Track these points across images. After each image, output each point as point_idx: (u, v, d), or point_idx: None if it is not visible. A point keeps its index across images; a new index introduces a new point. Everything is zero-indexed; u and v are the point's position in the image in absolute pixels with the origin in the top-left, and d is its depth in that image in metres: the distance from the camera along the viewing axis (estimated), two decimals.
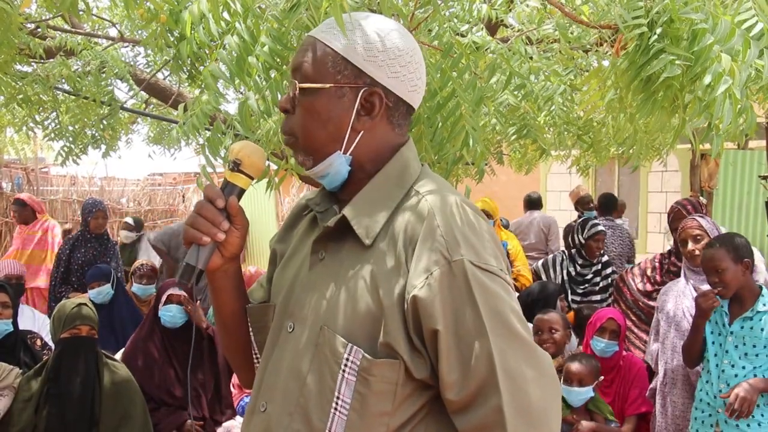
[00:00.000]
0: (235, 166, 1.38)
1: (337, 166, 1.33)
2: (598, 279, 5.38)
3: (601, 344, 4.05)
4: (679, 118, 1.88)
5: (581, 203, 8.31)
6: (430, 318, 1.19)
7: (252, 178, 1.41)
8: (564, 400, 3.73)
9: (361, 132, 1.33)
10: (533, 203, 8.43)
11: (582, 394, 3.75)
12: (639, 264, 4.92)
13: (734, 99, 1.68)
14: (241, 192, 1.41)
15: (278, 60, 1.99)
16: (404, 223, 1.27)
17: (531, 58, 3.07)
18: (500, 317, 1.20)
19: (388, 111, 1.34)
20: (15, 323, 4.07)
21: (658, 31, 1.76)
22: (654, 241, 10.79)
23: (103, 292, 5.08)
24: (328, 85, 1.31)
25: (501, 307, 1.21)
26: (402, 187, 1.33)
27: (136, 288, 5.44)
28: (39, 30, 4.58)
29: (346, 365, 1.23)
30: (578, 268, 5.43)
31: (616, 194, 11.68)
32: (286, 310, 1.37)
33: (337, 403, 1.23)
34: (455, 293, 1.19)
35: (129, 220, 7.68)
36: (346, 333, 1.24)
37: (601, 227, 5.48)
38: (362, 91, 1.31)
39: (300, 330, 1.32)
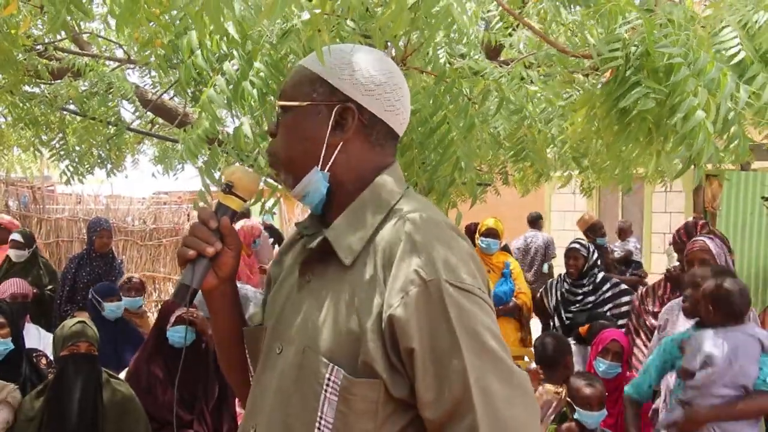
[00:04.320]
0: (228, 189, 1.43)
1: (315, 182, 1.36)
2: (592, 298, 5.38)
3: (603, 366, 4.05)
4: (654, 150, 1.90)
5: (592, 230, 8.13)
6: (406, 337, 1.21)
7: (244, 200, 1.46)
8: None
9: (338, 147, 1.36)
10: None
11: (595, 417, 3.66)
12: (653, 284, 4.92)
13: (707, 133, 1.70)
14: (234, 213, 1.45)
15: (273, 86, 2.03)
16: (383, 243, 1.29)
17: (531, 81, 3.10)
18: (475, 335, 1.22)
19: (363, 128, 1.38)
20: (18, 341, 4.09)
21: (636, 63, 1.79)
22: (658, 262, 10.77)
23: (121, 306, 5.18)
24: (305, 103, 1.37)
25: (476, 325, 1.23)
26: (383, 208, 1.35)
27: (125, 301, 5.47)
28: (47, 52, 4.64)
29: (327, 385, 1.25)
30: (567, 286, 5.47)
31: (620, 215, 11.72)
32: (276, 333, 1.40)
33: (320, 423, 1.26)
34: (431, 312, 1.21)
35: (16, 236, 6.44)
36: (328, 353, 1.27)
37: (573, 245, 5.51)
38: (336, 106, 1.35)
39: (287, 352, 1.35)
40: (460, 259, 1.26)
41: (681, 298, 4.06)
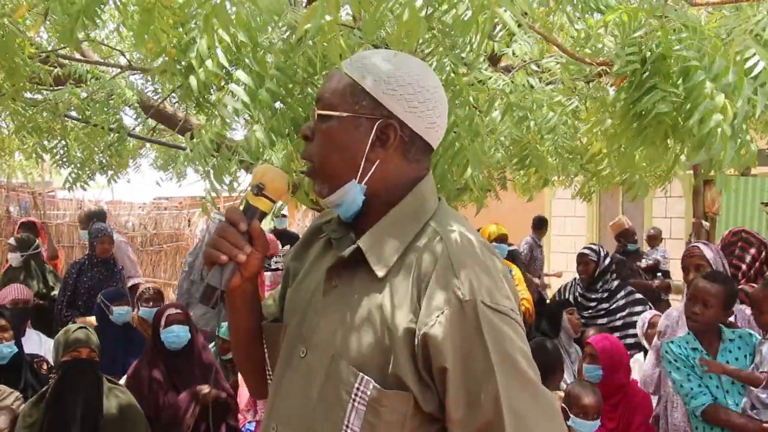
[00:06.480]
0: (258, 190, 1.40)
1: (353, 195, 1.34)
2: (605, 305, 5.39)
3: (585, 370, 4.06)
4: (671, 153, 1.91)
5: (624, 236, 8.02)
6: (440, 356, 1.21)
7: (274, 202, 1.44)
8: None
9: (376, 162, 1.34)
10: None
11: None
12: None
13: (724, 136, 1.71)
14: (263, 215, 1.43)
15: (285, 92, 2.04)
16: (418, 259, 1.29)
17: (532, 87, 3.10)
18: (509, 358, 1.23)
19: (403, 145, 1.35)
20: (20, 346, 4.09)
21: (650, 67, 1.80)
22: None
23: (129, 311, 5.21)
24: (345, 114, 1.34)
25: (510, 348, 1.23)
26: (418, 222, 1.34)
27: (143, 312, 5.44)
28: (49, 59, 4.64)
29: (356, 395, 1.25)
30: (581, 290, 5.48)
31: None
32: (300, 335, 1.39)
33: None
34: (465, 333, 1.22)
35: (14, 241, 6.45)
36: (357, 363, 1.27)
37: (583, 251, 5.53)
38: (378, 122, 1.33)
39: (312, 356, 1.34)
40: (496, 280, 1.27)
41: (682, 306, 4.07)
